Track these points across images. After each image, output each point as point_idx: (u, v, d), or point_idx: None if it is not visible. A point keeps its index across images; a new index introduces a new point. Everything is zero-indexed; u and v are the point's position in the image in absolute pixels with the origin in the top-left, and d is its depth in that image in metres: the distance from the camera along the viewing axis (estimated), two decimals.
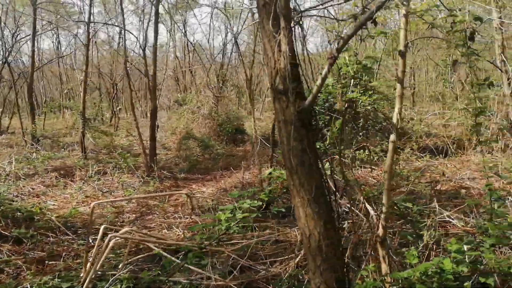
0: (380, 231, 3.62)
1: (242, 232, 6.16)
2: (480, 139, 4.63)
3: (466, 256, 3.42)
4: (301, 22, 2.23)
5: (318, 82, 2.19)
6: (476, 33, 3.27)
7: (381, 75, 18.39)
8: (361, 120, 11.18)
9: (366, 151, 9.78)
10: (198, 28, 57.13)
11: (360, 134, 10.43)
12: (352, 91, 3.71)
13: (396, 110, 3.46)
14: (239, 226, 5.89)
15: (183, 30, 24.38)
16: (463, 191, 7.03)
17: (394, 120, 3.48)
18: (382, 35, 3.40)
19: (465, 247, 3.44)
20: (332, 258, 2.27)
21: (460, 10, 3.23)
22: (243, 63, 13.50)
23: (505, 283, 3.65)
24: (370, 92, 11.35)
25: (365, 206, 3.79)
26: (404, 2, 3.23)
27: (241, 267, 5.09)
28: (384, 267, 3.64)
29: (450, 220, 6.12)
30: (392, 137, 3.52)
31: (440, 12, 3.34)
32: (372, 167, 9.83)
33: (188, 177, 11.11)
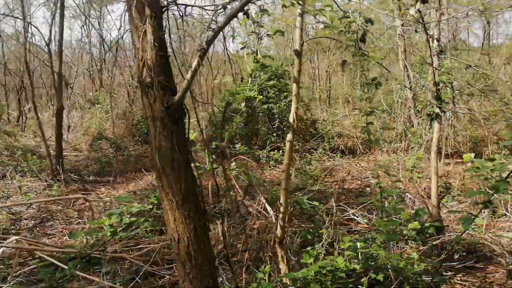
0: (279, 232, 3.60)
1: (148, 236, 5.92)
2: (371, 139, 4.80)
3: (360, 254, 3.49)
4: (180, 12, 2.10)
5: (188, 76, 2.07)
6: (368, 35, 3.35)
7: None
8: (276, 120, 11.33)
9: (281, 151, 9.90)
10: (119, 25, 55.00)
11: (274, 134, 10.55)
12: (250, 90, 3.66)
13: (293, 109, 3.45)
14: (143, 230, 5.63)
15: (98, 27, 23.27)
16: (368, 189, 7.31)
17: (291, 120, 3.47)
18: (278, 33, 3.37)
19: (359, 245, 3.51)
20: (202, 264, 2.15)
21: (354, 12, 3.28)
22: None
23: (399, 277, 3.79)
24: (285, 94, 11.55)
25: (265, 206, 3.75)
26: (300, 1, 3.23)
27: (145, 273, 4.87)
28: (283, 268, 3.61)
29: (355, 217, 6.33)
30: (289, 136, 3.51)
31: (335, 12, 3.38)
32: None
33: (98, 180, 10.56)
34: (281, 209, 3.51)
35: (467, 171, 3.76)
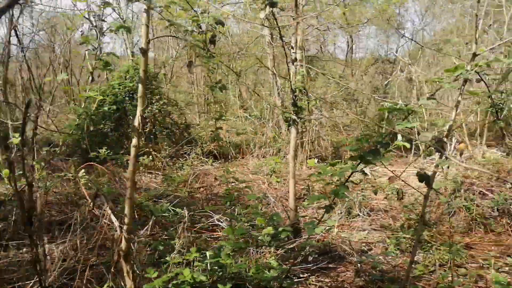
0: (123, 245, 3.31)
1: None
2: (219, 143, 4.78)
3: (209, 264, 3.36)
4: None
5: None
6: (218, 36, 3.25)
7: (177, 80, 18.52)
8: (148, 124, 10.88)
9: (150, 156, 9.52)
10: None
11: (143, 138, 10.10)
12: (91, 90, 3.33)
13: (138, 112, 3.20)
14: None
15: None
16: (235, 193, 7.30)
17: (136, 123, 3.22)
18: (123, 29, 3.10)
19: (208, 254, 3.39)
20: None
21: (204, 12, 3.15)
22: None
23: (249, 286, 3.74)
24: (157, 97, 11.16)
25: (110, 217, 3.43)
26: None
27: None
28: (129, 284, 3.33)
29: (220, 223, 6.26)
30: (134, 141, 3.25)
31: (186, 11, 3.22)
32: (157, 172, 9.62)
33: None
34: (126, 220, 3.23)
35: (311, 175, 3.88)
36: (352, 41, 17.16)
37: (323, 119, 9.76)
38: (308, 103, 4.55)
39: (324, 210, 3.07)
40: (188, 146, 10.94)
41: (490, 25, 9.55)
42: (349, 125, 11.74)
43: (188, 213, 5.88)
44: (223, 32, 15.26)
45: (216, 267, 3.32)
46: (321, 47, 15.75)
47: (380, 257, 5.35)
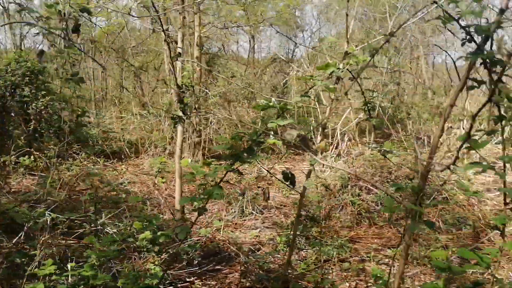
0: None
1: None
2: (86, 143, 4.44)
3: (70, 276, 3.03)
4: None
5: None
6: (81, 25, 2.94)
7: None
8: (32, 122, 9.94)
9: (32, 156, 8.68)
10: None
11: (22, 137, 9.22)
12: None
13: None
14: None
15: None
16: (124, 195, 6.89)
17: None
18: None
19: (69, 266, 3.06)
20: None
21: None
22: None
23: None
24: (43, 93, 10.27)
25: None
26: None
27: None
28: None
29: (104, 228, 5.84)
30: None
31: None
32: (41, 174, 8.82)
33: None
34: None
35: (184, 176, 3.71)
36: (254, 40, 17.33)
37: (221, 117, 9.66)
38: (196, 101, 4.37)
39: (197, 212, 2.90)
40: (78, 145, 10.19)
41: (376, 29, 10.19)
42: (245, 124, 11.77)
43: (66, 218, 5.42)
44: (123, 27, 14.56)
45: (80, 280, 3.00)
46: (223, 45, 15.68)
47: (270, 255, 5.33)
